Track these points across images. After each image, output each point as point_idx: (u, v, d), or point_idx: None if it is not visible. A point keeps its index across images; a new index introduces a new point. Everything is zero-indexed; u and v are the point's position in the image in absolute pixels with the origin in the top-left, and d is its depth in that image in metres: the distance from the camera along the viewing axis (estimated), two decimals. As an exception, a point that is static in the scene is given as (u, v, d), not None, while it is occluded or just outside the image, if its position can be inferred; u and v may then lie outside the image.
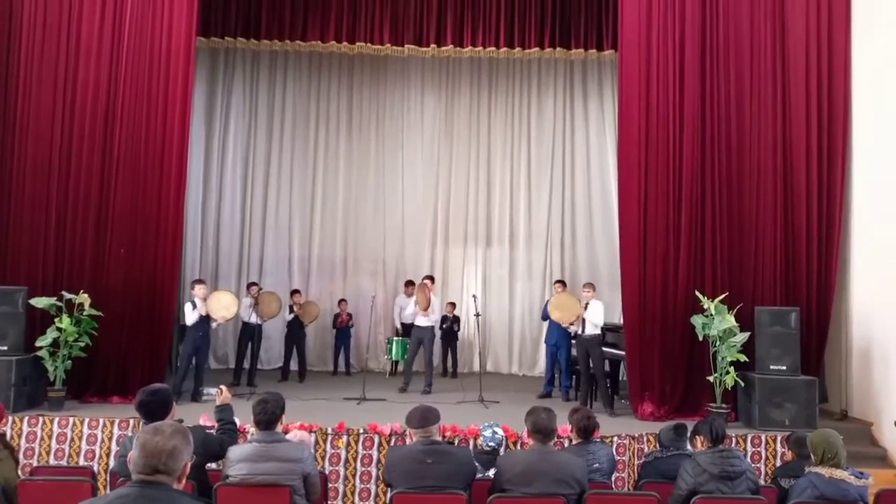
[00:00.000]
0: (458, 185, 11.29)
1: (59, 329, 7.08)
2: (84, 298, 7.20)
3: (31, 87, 7.77)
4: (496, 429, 5.39)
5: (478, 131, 11.26)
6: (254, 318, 9.02)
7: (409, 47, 8.93)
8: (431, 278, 9.36)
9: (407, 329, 10.30)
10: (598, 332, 8.06)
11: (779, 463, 6.43)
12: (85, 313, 7.20)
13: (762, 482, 5.02)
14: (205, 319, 7.93)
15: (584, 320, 8.02)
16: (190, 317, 7.80)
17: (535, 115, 11.28)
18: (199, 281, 8.28)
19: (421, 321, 8.93)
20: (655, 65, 7.84)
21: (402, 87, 11.27)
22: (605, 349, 8.30)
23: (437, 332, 9.55)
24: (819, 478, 3.89)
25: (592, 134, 11.24)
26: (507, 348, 11.16)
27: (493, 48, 8.91)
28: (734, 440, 6.62)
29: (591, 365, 8.04)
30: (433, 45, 8.92)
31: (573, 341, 8.81)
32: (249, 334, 9.08)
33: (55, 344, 7.14)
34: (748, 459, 6.42)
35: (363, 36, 9.03)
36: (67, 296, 7.20)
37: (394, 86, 11.25)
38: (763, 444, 6.80)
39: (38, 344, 7.12)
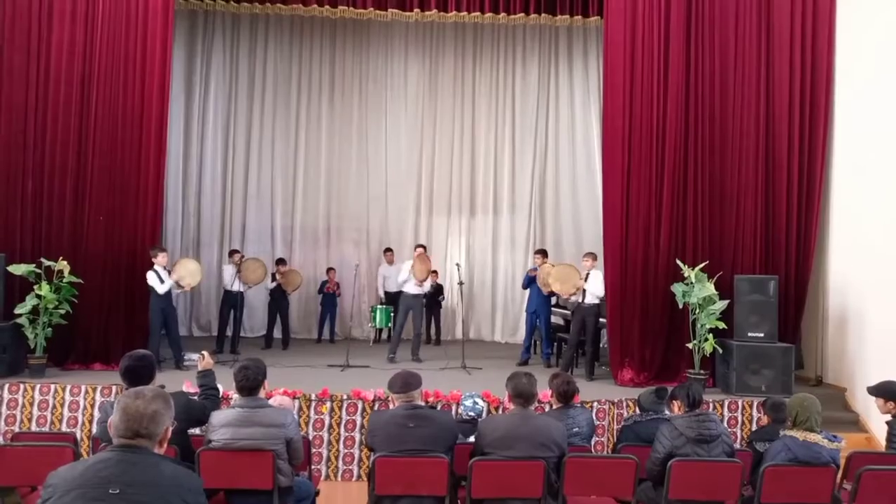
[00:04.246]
0: (441, 153, 11.23)
1: (38, 296, 7.02)
2: (63, 265, 7.13)
3: (2, 50, 7.56)
4: (477, 399, 5.46)
5: (462, 98, 11.18)
6: (236, 286, 8.97)
7: (392, 12, 8.76)
8: (423, 248, 9.17)
9: (390, 297, 10.35)
10: (597, 301, 8.00)
11: (755, 428, 6.58)
12: (65, 280, 7.14)
13: (738, 446, 5.14)
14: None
15: (584, 290, 7.98)
16: (160, 287, 7.59)
17: (519, 82, 11.21)
18: (161, 248, 7.84)
19: (412, 289, 8.73)
20: (641, 33, 7.80)
21: (385, 52, 11.13)
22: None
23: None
24: (793, 441, 3.98)
25: (577, 102, 11.20)
26: (490, 316, 11.24)
27: (477, 13, 8.77)
28: (711, 405, 6.75)
29: (584, 334, 8.04)
30: (417, 10, 8.76)
31: (554, 309, 8.88)
32: (231, 302, 9.05)
33: (35, 311, 7.08)
34: (725, 424, 6.56)
35: (345, -1, 8.86)
36: (46, 263, 7.12)
37: (377, 51, 11.11)
38: (740, 410, 6.94)
39: (17, 311, 7.05)
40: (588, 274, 8.02)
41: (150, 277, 7.58)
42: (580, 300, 8.05)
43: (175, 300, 8.34)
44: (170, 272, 7.82)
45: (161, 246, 8.01)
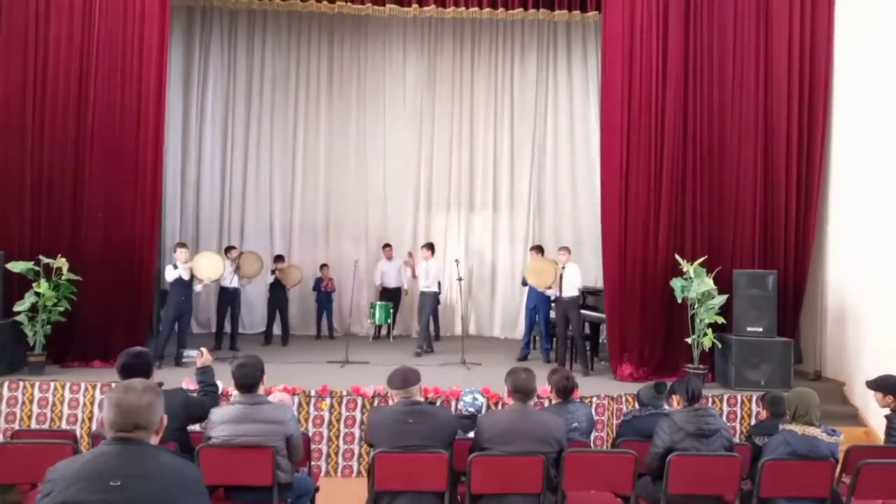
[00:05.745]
0: (440, 149, 11.21)
1: (37, 294, 7.01)
2: (62, 263, 7.12)
3: None
4: (476, 395, 5.46)
5: (460, 95, 11.15)
6: (232, 283, 8.98)
7: (390, 7, 8.74)
8: (430, 246, 9.44)
9: (389, 293, 10.35)
10: (577, 294, 8.13)
11: (754, 422, 6.59)
12: (63, 278, 7.13)
13: (737, 440, 5.15)
14: (187, 283, 7.87)
15: (561, 284, 8.06)
16: (170, 274, 7.70)
17: (518, 77, 11.18)
18: (181, 244, 8.14)
19: (421, 286, 9.26)
20: (639, 28, 7.79)
21: (383, 48, 11.10)
22: (586, 312, 8.39)
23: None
24: (792, 435, 3.99)
25: (576, 97, 11.18)
26: (489, 312, 11.24)
27: (475, 9, 8.75)
28: (710, 400, 6.76)
29: (570, 327, 8.12)
30: (415, 5, 8.74)
31: (553, 304, 8.89)
32: (228, 298, 9.04)
33: (34, 309, 7.07)
34: (724, 419, 6.57)
35: (343, -5, 8.84)
36: (45, 260, 7.11)
37: (375, 47, 11.08)
38: (739, 404, 6.94)
39: (16, 309, 7.04)
40: (564, 267, 8.10)
41: (167, 269, 7.86)
42: (558, 294, 8.10)
43: (195, 298, 8.40)
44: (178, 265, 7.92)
45: (183, 242, 8.38)
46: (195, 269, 7.90)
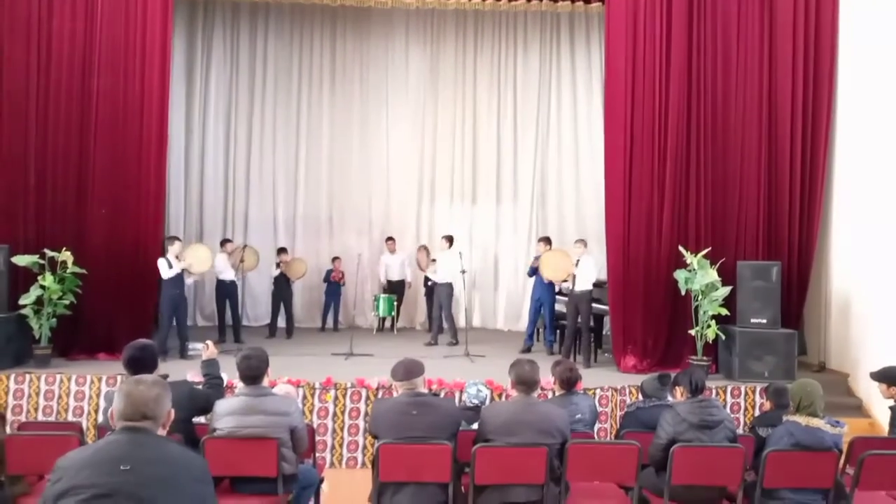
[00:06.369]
0: (443, 141, 11.18)
1: (42, 287, 7.04)
2: (67, 256, 7.15)
3: (2, 41, 7.55)
4: (481, 387, 5.48)
5: (463, 86, 11.12)
6: (228, 275, 8.99)
7: (393, -1, 8.74)
8: (449, 238, 9.49)
9: (392, 286, 10.37)
10: (590, 287, 8.05)
11: (757, 413, 6.59)
12: (68, 271, 7.16)
13: (741, 432, 5.15)
14: (180, 276, 7.88)
15: (574, 276, 8.02)
16: (166, 272, 7.69)
17: (521, 69, 11.14)
18: (175, 238, 8.11)
19: (435, 279, 9.44)
20: (643, 19, 7.76)
21: (385, 41, 11.07)
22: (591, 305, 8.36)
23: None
24: (796, 426, 3.99)
25: (580, 88, 11.13)
26: (493, 304, 11.24)
27: (478, 0, 8.72)
28: (714, 391, 6.77)
29: (579, 320, 8.09)
30: (418, -3, 8.73)
31: (558, 296, 8.89)
32: (225, 291, 9.07)
33: (39, 302, 7.11)
34: (727, 410, 6.57)
35: (346, -13, 8.82)
36: (50, 253, 7.14)
37: (378, 39, 11.05)
38: (742, 395, 6.95)
39: (21, 302, 7.08)
40: (578, 260, 8.05)
41: (161, 263, 7.71)
42: (572, 287, 8.07)
43: (187, 290, 8.39)
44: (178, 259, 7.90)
45: (176, 236, 8.27)
46: (186, 264, 7.90)
